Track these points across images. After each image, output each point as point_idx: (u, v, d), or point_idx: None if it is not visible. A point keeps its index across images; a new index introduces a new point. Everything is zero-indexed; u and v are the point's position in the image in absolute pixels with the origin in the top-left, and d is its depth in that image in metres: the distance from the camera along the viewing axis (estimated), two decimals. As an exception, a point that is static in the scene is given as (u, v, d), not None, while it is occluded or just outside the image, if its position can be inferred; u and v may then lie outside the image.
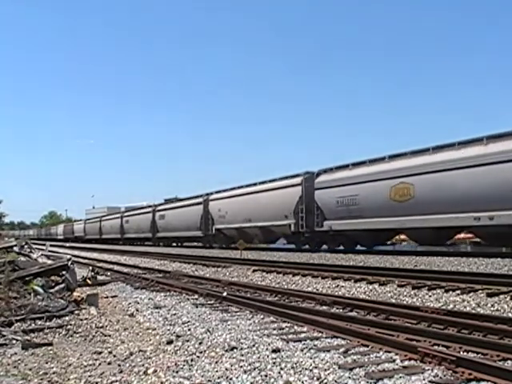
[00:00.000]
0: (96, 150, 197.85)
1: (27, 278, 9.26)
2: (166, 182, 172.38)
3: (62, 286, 9.60)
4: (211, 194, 34.15)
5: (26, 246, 12.38)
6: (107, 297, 10.94)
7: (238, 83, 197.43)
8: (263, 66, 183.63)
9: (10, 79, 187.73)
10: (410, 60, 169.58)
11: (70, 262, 10.33)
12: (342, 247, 22.68)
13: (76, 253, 31.75)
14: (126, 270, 18.39)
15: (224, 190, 32.82)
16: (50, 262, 10.80)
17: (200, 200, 34.78)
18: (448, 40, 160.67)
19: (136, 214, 48.21)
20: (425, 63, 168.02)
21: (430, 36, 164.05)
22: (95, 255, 30.69)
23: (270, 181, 27.83)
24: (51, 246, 36.31)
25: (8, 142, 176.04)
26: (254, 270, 15.26)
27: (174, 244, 40.44)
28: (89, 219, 67.65)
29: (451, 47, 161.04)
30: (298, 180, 24.81)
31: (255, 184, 29.29)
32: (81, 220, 74.43)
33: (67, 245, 52.03)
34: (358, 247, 22.76)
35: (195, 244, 37.51)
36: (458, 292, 9.08)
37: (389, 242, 24.29)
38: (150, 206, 45.88)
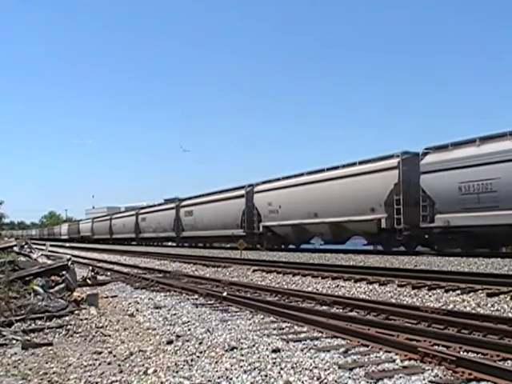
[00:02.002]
0: (96, 150, 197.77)
1: (27, 278, 9.26)
2: (166, 182, 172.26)
3: (62, 286, 9.60)
4: (257, 184, 28.64)
5: (26, 246, 12.36)
6: (107, 297, 10.95)
7: (237, 83, 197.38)
8: (263, 65, 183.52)
9: (10, 79, 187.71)
10: (409, 59, 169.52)
11: (69, 262, 10.33)
12: (453, 249, 17.54)
13: (76, 253, 31.76)
14: (125, 269, 18.40)
15: (276, 180, 27.22)
16: (49, 262, 10.80)
17: (241, 192, 29.24)
18: (453, 40, 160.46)
19: (155, 211, 42.42)
20: (424, 63, 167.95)
21: (436, 36, 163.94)
22: (95, 255, 30.70)
23: (346, 165, 22.19)
24: (51, 246, 36.37)
25: (8, 142, 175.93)
26: (254, 270, 15.27)
27: (201, 245, 35.53)
28: (97, 217, 62.36)
29: (455, 47, 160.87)
30: (392, 162, 19.36)
31: (323, 170, 23.63)
32: (87, 219, 69.54)
33: (67, 245, 51.43)
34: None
35: (230, 245, 31.80)
36: (458, 292, 9.08)
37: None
38: (172, 201, 40.50)
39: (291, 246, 27.00)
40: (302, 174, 25.08)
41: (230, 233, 29.37)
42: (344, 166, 22.20)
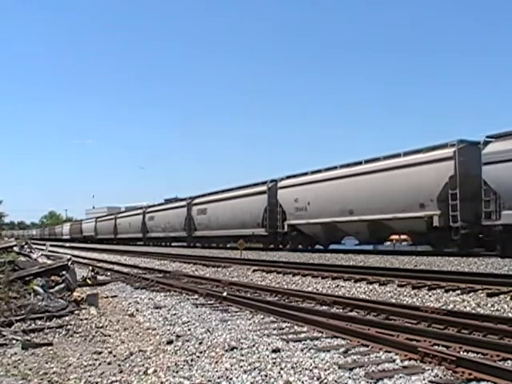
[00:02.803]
0: (96, 150, 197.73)
1: (27, 278, 9.26)
2: (165, 182, 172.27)
3: (62, 285, 9.60)
4: (281, 179, 26.21)
5: (25, 246, 12.37)
6: (107, 297, 10.96)
7: (237, 83, 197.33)
8: (263, 65, 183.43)
9: (10, 79, 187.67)
10: (409, 59, 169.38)
11: (69, 262, 10.33)
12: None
13: (76, 253, 31.77)
14: (125, 270, 18.41)
15: (303, 174, 24.79)
16: (49, 262, 10.80)
17: (263, 188, 27.01)
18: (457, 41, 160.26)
19: (164, 209, 40.26)
20: (424, 63, 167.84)
21: (436, 36, 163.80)
22: (95, 255, 30.71)
23: (389, 157, 19.82)
24: (51, 246, 36.38)
25: (8, 142, 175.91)
26: (254, 270, 15.27)
27: (214, 245, 33.17)
28: (101, 217, 60.66)
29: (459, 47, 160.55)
30: (446, 152, 17.23)
31: (360, 163, 21.16)
32: (90, 218, 67.26)
33: (67, 245, 51.29)
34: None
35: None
36: (458, 292, 9.09)
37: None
38: (183, 199, 37.95)
39: (318, 247, 25.13)
40: (334, 168, 22.78)
41: (249, 232, 27.03)
42: (386, 158, 19.92)
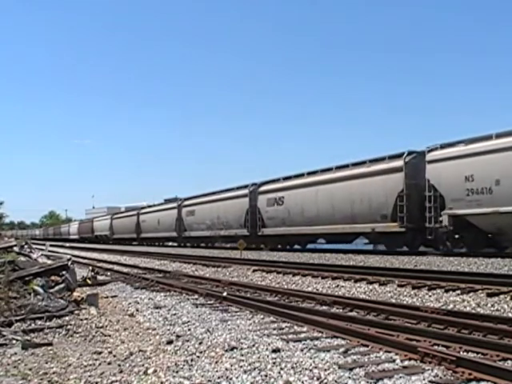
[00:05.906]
0: (95, 149, 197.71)
1: (27, 278, 9.26)
2: (166, 182, 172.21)
3: (62, 286, 9.60)
4: (431, 149, 17.53)
5: (26, 246, 12.38)
6: (107, 297, 10.96)
7: (237, 83, 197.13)
8: (263, 65, 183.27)
9: (10, 79, 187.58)
10: (409, 59, 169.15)
11: (69, 262, 10.33)
12: None
13: (76, 253, 31.78)
14: (125, 270, 18.41)
15: (479, 139, 16.12)
16: (49, 262, 10.81)
17: (395, 165, 18.53)
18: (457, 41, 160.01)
19: (211, 201, 32.37)
20: (424, 63, 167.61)
21: (436, 36, 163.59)
22: (95, 255, 30.71)
23: None
24: (51, 245, 36.39)
25: (8, 142, 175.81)
26: (254, 270, 15.27)
27: (288, 247, 26.10)
28: (117, 213, 53.65)
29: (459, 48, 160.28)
30: None
31: None
32: (105, 215, 60.28)
33: (67, 245, 51.03)
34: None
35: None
36: (458, 292, 9.08)
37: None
38: (243, 186, 29.40)
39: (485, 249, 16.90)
40: None
41: (365, 228, 19.52)
42: None
